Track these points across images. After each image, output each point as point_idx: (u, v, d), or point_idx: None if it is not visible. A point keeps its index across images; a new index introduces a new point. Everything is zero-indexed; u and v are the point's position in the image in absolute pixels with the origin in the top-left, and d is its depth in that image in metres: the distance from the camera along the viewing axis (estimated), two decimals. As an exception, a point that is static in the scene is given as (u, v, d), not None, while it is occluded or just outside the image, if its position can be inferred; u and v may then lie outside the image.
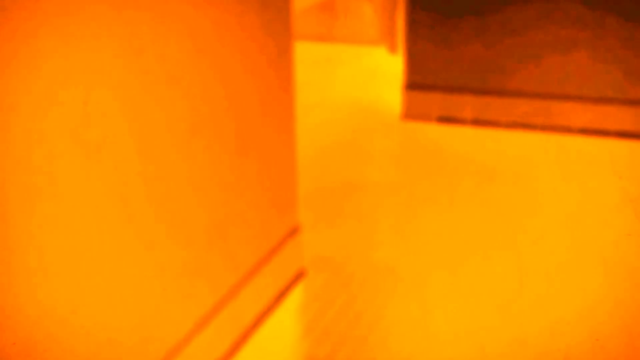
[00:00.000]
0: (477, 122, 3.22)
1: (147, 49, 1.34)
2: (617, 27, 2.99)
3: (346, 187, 2.64)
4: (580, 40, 3.04)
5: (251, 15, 1.70)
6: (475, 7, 3.13)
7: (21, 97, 1.08)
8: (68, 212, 1.20)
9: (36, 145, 1.12)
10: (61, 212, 1.18)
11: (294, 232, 2.04)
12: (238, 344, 1.78)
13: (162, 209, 1.45)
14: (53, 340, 1.20)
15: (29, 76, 1.09)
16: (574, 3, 3.01)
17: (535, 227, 2.35)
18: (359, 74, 3.96)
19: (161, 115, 1.41)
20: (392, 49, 3.92)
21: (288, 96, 1.93)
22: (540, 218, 2.40)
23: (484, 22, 3.13)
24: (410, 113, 3.29)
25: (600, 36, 3.01)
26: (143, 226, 1.39)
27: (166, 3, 1.38)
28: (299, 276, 2.07)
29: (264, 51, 1.78)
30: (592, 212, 2.43)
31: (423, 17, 3.20)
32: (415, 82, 3.28)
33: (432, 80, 3.26)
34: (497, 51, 3.15)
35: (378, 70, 4.02)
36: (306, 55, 4.34)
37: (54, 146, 1.15)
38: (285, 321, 1.89)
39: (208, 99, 1.57)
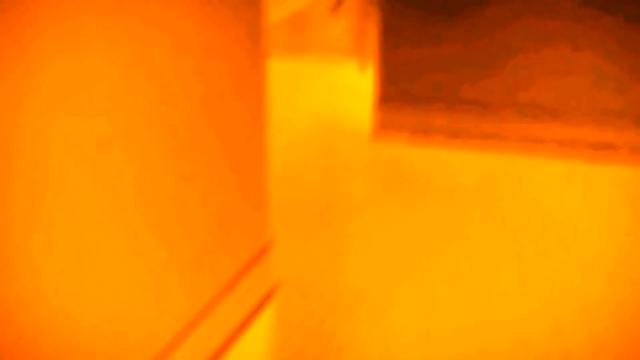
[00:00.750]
0: (449, 136, 3.23)
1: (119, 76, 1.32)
2: (592, 55, 3.02)
3: (318, 204, 2.64)
4: (561, 54, 3.07)
5: (225, 31, 1.69)
6: (448, 20, 3.14)
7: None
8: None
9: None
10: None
11: (266, 249, 2.02)
12: (209, 364, 1.75)
13: (130, 229, 1.43)
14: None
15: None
16: (556, 20, 3.04)
17: (508, 246, 2.36)
18: (330, 89, 3.96)
19: (134, 130, 1.39)
20: (363, 65, 3.92)
21: (261, 112, 1.91)
22: (513, 236, 2.41)
23: (457, 35, 3.15)
24: (382, 127, 3.30)
25: (581, 48, 3.04)
26: (117, 241, 1.37)
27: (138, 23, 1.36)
28: (270, 294, 2.05)
29: (237, 68, 1.76)
30: (566, 227, 2.45)
31: (395, 32, 3.21)
32: (387, 96, 3.28)
33: (403, 94, 3.27)
34: (471, 65, 3.17)
35: (348, 85, 4.02)
36: (276, 70, 4.33)
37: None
38: (257, 340, 1.87)
39: (184, 114, 1.55)
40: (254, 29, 1.83)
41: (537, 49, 3.07)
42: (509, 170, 2.91)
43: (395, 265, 2.23)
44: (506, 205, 2.61)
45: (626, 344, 1.82)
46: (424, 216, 2.53)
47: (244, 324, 1.91)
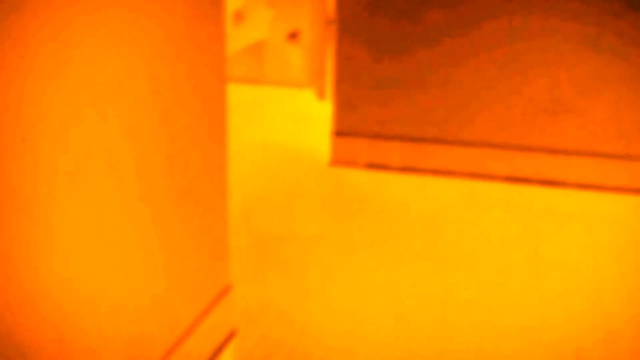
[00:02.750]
0: (405, 169, 3.26)
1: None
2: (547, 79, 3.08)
3: (276, 238, 2.64)
4: (510, 86, 3.12)
5: (185, 62, 1.69)
6: (404, 55, 3.18)
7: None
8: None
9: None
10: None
11: (225, 291, 2.02)
12: (168, 414, 1.74)
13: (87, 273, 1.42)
14: None
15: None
16: (506, 55, 3.09)
17: (469, 275, 2.39)
18: (288, 117, 3.98)
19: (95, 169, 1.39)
20: (321, 95, 3.95)
21: (222, 149, 1.92)
22: (472, 266, 2.44)
23: (413, 69, 3.19)
24: (339, 159, 3.32)
25: (531, 80, 3.10)
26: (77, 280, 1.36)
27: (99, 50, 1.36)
28: (230, 337, 2.05)
29: (197, 98, 1.77)
30: (520, 255, 2.48)
31: (352, 63, 3.24)
32: (344, 129, 3.31)
33: (360, 126, 3.29)
34: (427, 98, 3.21)
35: (307, 114, 4.04)
36: (233, 98, 4.33)
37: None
38: (216, 386, 1.87)
39: (139, 148, 1.55)
40: (216, 59, 1.83)
41: (489, 86, 3.12)
42: (466, 197, 2.95)
43: (357, 303, 2.24)
44: (465, 231, 2.64)
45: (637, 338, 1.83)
46: (385, 246, 2.55)
47: (203, 370, 1.90)
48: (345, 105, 3.29)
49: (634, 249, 2.58)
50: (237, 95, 4.37)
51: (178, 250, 1.76)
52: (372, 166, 3.29)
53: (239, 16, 4.30)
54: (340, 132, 3.32)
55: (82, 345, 1.42)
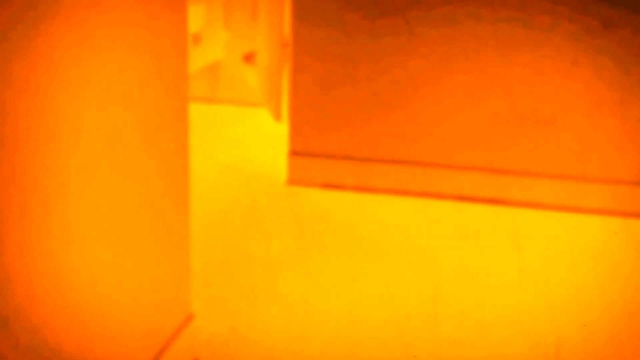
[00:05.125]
0: (361, 189, 3.34)
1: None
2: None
3: (237, 262, 2.68)
4: (467, 106, 3.22)
5: (149, 79, 1.73)
6: (358, 76, 3.26)
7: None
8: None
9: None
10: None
11: (187, 321, 2.05)
12: None
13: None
14: None
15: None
16: (471, 77, 3.19)
17: (428, 290, 2.45)
18: (244, 137, 4.03)
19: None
20: (277, 116, 4.01)
21: (184, 174, 1.95)
22: (430, 281, 2.51)
23: (367, 91, 3.27)
24: (296, 179, 3.38)
25: (487, 98, 3.20)
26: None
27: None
28: None
29: (159, 118, 1.80)
30: (478, 274, 2.56)
31: (307, 84, 3.31)
32: (300, 149, 3.37)
33: (315, 147, 3.36)
34: (380, 119, 3.29)
35: (263, 133, 4.10)
36: (191, 120, 4.37)
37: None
38: (179, 402, 1.89)
39: (98, 173, 1.57)
40: (178, 78, 1.87)
41: (446, 106, 3.22)
42: (421, 215, 3.03)
43: (320, 325, 2.29)
44: (428, 250, 2.72)
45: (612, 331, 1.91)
46: (344, 266, 2.61)
47: (165, 386, 1.92)
48: (300, 126, 3.35)
49: (600, 258, 2.69)
50: (193, 113, 4.41)
51: (139, 281, 1.78)
52: (328, 185, 3.36)
53: (196, 38, 4.35)
54: (296, 151, 3.38)
55: (49, 362, 1.44)
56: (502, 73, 3.14)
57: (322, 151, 3.36)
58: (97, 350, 1.62)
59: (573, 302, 2.42)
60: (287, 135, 4.03)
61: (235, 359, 2.08)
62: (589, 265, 2.66)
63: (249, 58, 4.44)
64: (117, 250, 1.67)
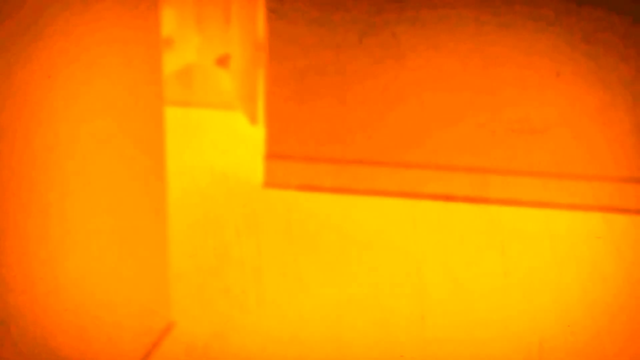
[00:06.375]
0: (338, 190, 3.32)
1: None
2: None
3: (215, 265, 2.66)
4: (448, 108, 3.22)
5: (124, 83, 1.71)
6: (334, 79, 3.25)
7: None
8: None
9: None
10: None
11: (167, 329, 2.03)
12: None
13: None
14: None
15: None
16: (446, 80, 3.19)
17: (410, 290, 2.45)
18: (220, 140, 4.00)
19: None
20: (253, 119, 3.99)
21: (162, 184, 1.93)
22: (412, 281, 2.51)
23: (343, 93, 3.26)
24: (272, 181, 3.36)
25: (464, 102, 3.20)
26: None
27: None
28: (171, 363, 2.05)
29: (135, 123, 1.78)
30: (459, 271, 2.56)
31: (282, 88, 3.29)
32: (276, 151, 3.36)
33: (292, 149, 3.35)
34: (358, 121, 3.28)
35: (239, 136, 4.07)
36: (167, 123, 4.33)
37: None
38: (160, 410, 1.87)
39: (74, 179, 1.56)
40: (153, 82, 1.85)
41: (423, 109, 3.22)
42: (401, 215, 3.02)
43: (301, 328, 2.28)
44: (409, 249, 2.71)
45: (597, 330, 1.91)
46: (323, 267, 2.60)
47: (146, 395, 1.90)
48: (276, 129, 3.34)
49: (584, 253, 2.70)
50: (167, 117, 4.38)
51: (114, 291, 1.76)
52: (305, 187, 3.35)
53: (168, 41, 4.32)
54: (273, 154, 3.36)
55: (28, 373, 1.42)
56: (487, 82, 3.14)
57: (298, 154, 3.34)
58: (76, 360, 1.60)
59: (557, 301, 2.42)
60: (262, 139, 4.02)
61: (216, 365, 2.06)
62: (572, 263, 2.68)
63: (223, 61, 4.42)
64: (92, 258, 1.64)
